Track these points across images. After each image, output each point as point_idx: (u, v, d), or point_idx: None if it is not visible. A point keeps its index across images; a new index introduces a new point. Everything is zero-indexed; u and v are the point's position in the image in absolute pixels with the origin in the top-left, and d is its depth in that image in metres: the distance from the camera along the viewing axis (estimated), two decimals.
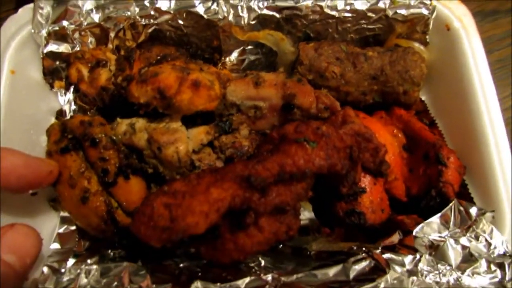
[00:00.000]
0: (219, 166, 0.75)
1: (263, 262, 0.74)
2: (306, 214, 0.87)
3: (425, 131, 0.78)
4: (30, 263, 0.66)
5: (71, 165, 0.73)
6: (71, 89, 0.88)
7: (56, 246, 0.81)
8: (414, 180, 0.77)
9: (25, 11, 0.84)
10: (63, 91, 0.89)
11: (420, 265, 0.66)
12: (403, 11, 0.84)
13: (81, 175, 0.73)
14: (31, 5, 0.83)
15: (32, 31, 0.82)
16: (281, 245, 0.80)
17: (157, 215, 0.62)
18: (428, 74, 0.85)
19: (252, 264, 0.74)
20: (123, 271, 0.71)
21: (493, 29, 1.09)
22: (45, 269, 0.72)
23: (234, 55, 0.93)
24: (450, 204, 0.71)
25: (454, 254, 0.67)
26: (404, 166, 0.79)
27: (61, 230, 0.82)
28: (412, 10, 0.84)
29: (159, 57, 0.82)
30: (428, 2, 0.83)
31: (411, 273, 0.66)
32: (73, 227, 0.83)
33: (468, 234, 0.68)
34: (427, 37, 0.87)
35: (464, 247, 0.67)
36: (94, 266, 0.73)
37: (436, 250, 0.67)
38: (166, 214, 0.62)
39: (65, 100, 0.89)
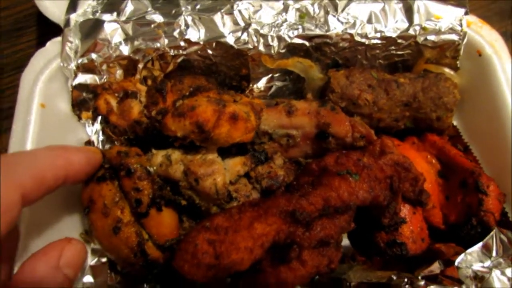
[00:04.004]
0: (255, 196, 0.75)
1: None
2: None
3: (461, 157, 0.78)
4: (78, 275, 0.71)
5: (106, 194, 0.73)
6: (98, 119, 0.88)
7: (89, 279, 0.80)
8: (452, 208, 0.77)
9: (53, 44, 0.84)
10: (91, 122, 0.88)
11: None
12: (433, 37, 0.84)
13: (115, 205, 0.73)
14: (59, 38, 0.83)
15: (61, 64, 0.82)
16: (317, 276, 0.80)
17: (201, 252, 0.62)
18: (460, 99, 0.84)
19: None
20: None
21: None
22: None
23: (262, 82, 0.92)
24: (492, 233, 0.70)
25: (500, 285, 0.66)
26: (441, 193, 0.79)
27: (92, 263, 0.81)
28: (442, 37, 0.84)
29: (191, 89, 0.81)
30: (459, 29, 0.83)
31: None
32: (104, 259, 0.82)
33: None
34: (457, 62, 0.87)
35: (510, 279, 0.67)
36: None
37: (482, 282, 0.67)
38: (211, 250, 0.62)
39: (93, 131, 0.89)
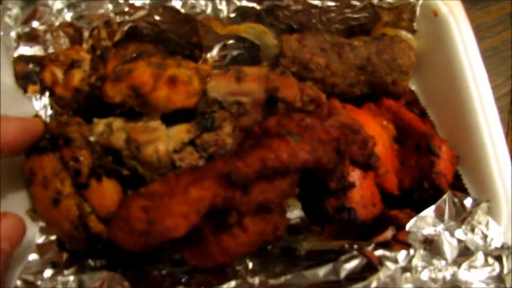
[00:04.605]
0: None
1: (250, 265, 0.71)
2: (296, 213, 0.83)
3: (416, 121, 0.75)
4: (15, 249, 0.67)
5: (46, 165, 0.70)
6: (47, 93, 0.85)
7: (34, 257, 0.77)
8: (406, 173, 0.74)
9: None
10: (38, 96, 0.85)
11: (414, 261, 0.62)
12: None
13: (55, 176, 0.70)
14: None
15: (1, 33, 0.79)
16: (270, 247, 0.77)
17: (134, 218, 0.59)
18: (417, 63, 0.82)
19: (239, 267, 0.70)
20: (102, 281, 0.67)
21: (483, 16, 1.07)
22: (19, 283, 0.69)
23: (215, 50, 0.89)
24: (444, 196, 0.67)
25: (449, 248, 0.63)
26: (395, 158, 0.76)
27: (40, 241, 0.78)
28: None
29: (135, 55, 0.78)
30: None
31: (404, 269, 0.63)
32: (53, 237, 0.79)
33: (463, 227, 0.64)
34: (414, 24, 0.83)
35: (459, 241, 0.64)
36: (71, 277, 0.69)
37: (431, 245, 0.64)
38: (144, 217, 0.59)
39: (41, 105, 0.86)
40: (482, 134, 0.71)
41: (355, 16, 0.84)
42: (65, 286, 0.68)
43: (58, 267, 0.74)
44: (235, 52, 0.90)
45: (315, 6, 0.82)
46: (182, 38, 0.86)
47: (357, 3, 0.82)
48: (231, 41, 0.88)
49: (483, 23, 1.06)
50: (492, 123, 0.72)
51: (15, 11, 0.80)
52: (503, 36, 1.05)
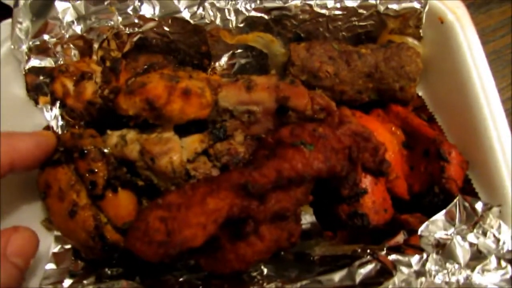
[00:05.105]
0: (215, 174, 0.73)
1: (265, 271, 0.72)
2: (308, 218, 0.85)
3: (424, 126, 0.77)
4: (30, 263, 0.67)
5: (62, 177, 0.71)
6: (57, 104, 0.85)
7: (51, 266, 0.78)
8: (416, 178, 0.75)
9: (4, 27, 0.81)
10: (49, 107, 0.86)
11: (428, 265, 0.63)
12: (394, 6, 0.82)
13: (71, 188, 0.71)
14: (9, 20, 0.81)
15: (12, 47, 0.80)
16: (283, 252, 0.78)
17: (153, 229, 0.60)
18: (424, 69, 0.83)
19: (255, 274, 0.71)
20: None
21: (486, 20, 1.08)
22: None
23: (224, 59, 0.90)
24: (455, 200, 0.68)
25: (462, 252, 0.64)
26: (405, 163, 0.77)
27: (55, 250, 0.79)
28: (403, 5, 0.82)
29: (146, 66, 0.79)
30: None
31: (419, 274, 0.64)
32: (68, 246, 0.80)
33: (475, 231, 0.65)
34: (420, 31, 0.85)
35: (472, 244, 0.65)
36: (91, 287, 0.70)
37: (443, 249, 0.65)
38: (162, 228, 0.60)
39: (52, 116, 0.86)
40: (491, 139, 0.72)
41: (362, 23, 0.85)
42: None
43: (76, 276, 0.75)
44: (243, 61, 0.91)
45: (322, 15, 0.83)
46: (191, 48, 0.87)
47: (364, 11, 0.83)
48: (239, 50, 0.89)
49: (486, 27, 1.07)
50: (500, 128, 0.73)
51: (26, 24, 0.80)
52: (506, 40, 1.06)
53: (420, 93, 0.87)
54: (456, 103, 0.79)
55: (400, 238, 0.70)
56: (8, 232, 0.66)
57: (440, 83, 0.83)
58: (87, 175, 0.71)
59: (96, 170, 0.71)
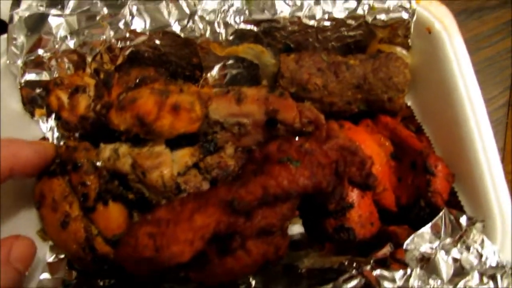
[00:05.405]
0: (206, 187, 0.74)
1: (253, 283, 0.74)
2: (297, 229, 0.85)
3: (412, 138, 0.77)
4: (28, 269, 0.70)
5: (56, 188, 0.73)
6: (53, 116, 0.87)
7: (46, 276, 0.80)
8: (403, 189, 0.76)
9: (0, 42, 0.83)
10: (45, 119, 0.87)
11: (411, 281, 0.64)
12: (382, 16, 0.82)
13: (64, 200, 0.73)
14: (5, 36, 0.82)
15: (8, 62, 0.81)
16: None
17: (142, 245, 0.61)
18: (413, 78, 0.83)
19: (243, 286, 0.73)
20: None
21: (479, 26, 1.07)
22: None
23: (216, 70, 0.91)
24: (440, 214, 0.69)
25: (445, 267, 0.65)
26: (393, 175, 0.78)
27: (50, 259, 0.81)
28: (391, 15, 0.82)
29: (137, 80, 0.80)
30: (408, 6, 0.81)
31: None
32: (63, 256, 0.82)
33: (459, 245, 0.66)
34: (409, 41, 0.85)
35: (455, 260, 0.66)
36: None
37: (427, 263, 0.66)
38: (151, 244, 0.61)
39: (48, 128, 0.88)
40: (476, 152, 0.72)
41: (351, 34, 0.86)
42: None
43: (70, 286, 0.77)
44: (234, 71, 0.92)
45: (311, 26, 0.83)
46: (182, 60, 0.88)
47: (352, 22, 0.83)
48: (230, 61, 0.90)
49: (480, 33, 1.07)
50: (486, 140, 0.73)
51: (21, 39, 0.82)
52: (499, 46, 1.05)
53: (409, 103, 0.87)
54: (443, 114, 0.79)
55: (387, 250, 0.70)
56: (10, 240, 0.69)
57: (428, 93, 0.83)
58: (79, 187, 0.73)
59: (88, 183, 0.73)
